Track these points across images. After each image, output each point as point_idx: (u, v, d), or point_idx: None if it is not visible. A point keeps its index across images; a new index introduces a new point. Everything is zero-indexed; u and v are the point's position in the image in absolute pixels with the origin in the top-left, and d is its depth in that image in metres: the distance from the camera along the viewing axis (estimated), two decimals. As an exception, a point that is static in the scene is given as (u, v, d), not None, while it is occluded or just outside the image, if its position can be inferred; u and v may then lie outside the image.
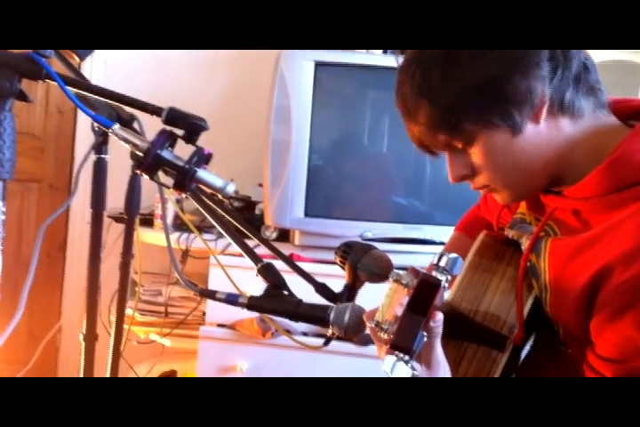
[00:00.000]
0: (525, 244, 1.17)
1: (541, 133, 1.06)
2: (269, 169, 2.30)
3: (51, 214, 1.38)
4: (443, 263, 0.89)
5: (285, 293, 1.16)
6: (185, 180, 0.98)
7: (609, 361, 1.01)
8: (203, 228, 2.37)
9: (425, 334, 0.91)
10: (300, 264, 2.18)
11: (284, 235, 2.50)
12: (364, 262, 1.18)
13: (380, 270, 1.16)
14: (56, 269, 3.07)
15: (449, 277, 0.90)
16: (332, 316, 1.08)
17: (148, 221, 2.53)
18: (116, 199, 1.71)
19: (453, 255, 0.90)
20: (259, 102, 2.49)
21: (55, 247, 3.06)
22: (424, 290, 0.88)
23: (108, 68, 3.00)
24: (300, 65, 2.29)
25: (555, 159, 1.07)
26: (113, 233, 2.29)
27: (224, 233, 1.24)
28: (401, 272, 0.93)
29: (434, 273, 0.89)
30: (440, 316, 0.95)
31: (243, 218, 2.51)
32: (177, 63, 3.00)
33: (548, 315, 1.14)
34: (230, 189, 1.01)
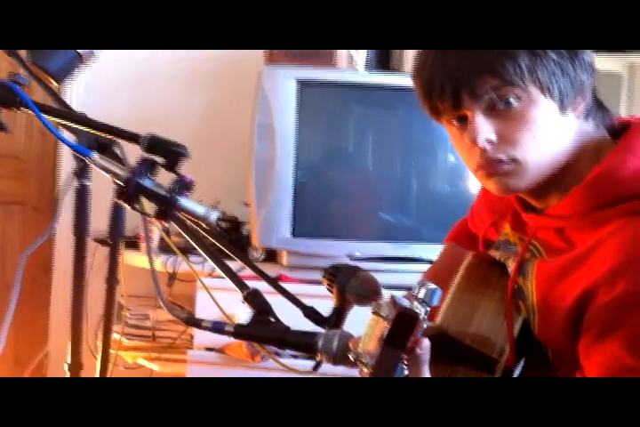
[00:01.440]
0: (512, 266, 1.16)
1: (572, 127, 1.06)
2: (254, 189, 2.29)
3: (35, 239, 1.37)
4: (421, 295, 0.88)
5: (272, 320, 1.14)
6: (167, 209, 0.96)
7: None
8: (189, 250, 2.33)
9: (405, 367, 0.89)
10: (288, 285, 2.16)
11: (272, 255, 2.48)
12: (351, 285, 1.16)
13: (368, 293, 1.14)
14: (42, 293, 3.02)
15: (428, 309, 0.88)
16: (320, 344, 1.06)
17: (134, 244, 2.49)
18: (101, 222, 1.68)
19: (432, 286, 0.89)
20: (242, 120, 2.47)
21: (41, 271, 3.02)
22: (402, 324, 0.86)
23: (88, 88, 2.98)
24: (282, 83, 2.28)
25: (567, 158, 1.06)
26: (99, 256, 2.25)
27: (209, 259, 1.22)
28: (382, 302, 0.91)
29: (414, 303, 0.87)
30: (426, 343, 0.93)
31: (229, 239, 2.51)
32: (158, 82, 2.98)
33: (537, 337, 1.12)
34: (213, 216, 0.99)
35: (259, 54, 2.56)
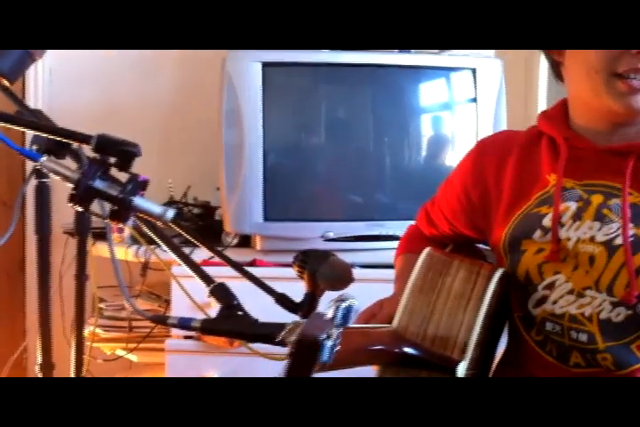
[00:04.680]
0: (551, 216, 1.16)
1: None
2: (225, 174, 2.28)
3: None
4: (331, 315, 0.86)
5: (240, 313, 1.13)
6: (121, 210, 0.95)
7: None
8: (161, 239, 2.32)
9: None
10: (263, 269, 2.15)
11: (246, 240, 2.46)
12: (322, 271, 1.15)
13: (340, 278, 1.13)
14: (17, 288, 3.01)
15: (338, 330, 0.86)
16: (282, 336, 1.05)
17: (105, 235, 2.46)
18: (71, 213, 1.64)
19: (343, 305, 0.87)
20: (212, 104, 2.44)
21: (14, 266, 3.00)
22: (302, 351, 0.84)
23: (51, 78, 2.93)
24: (247, 66, 2.25)
25: None
26: (72, 247, 2.23)
27: (172, 254, 1.21)
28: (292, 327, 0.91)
29: (324, 326, 0.85)
30: None
31: (202, 225, 2.49)
32: (123, 69, 2.93)
33: None
34: (169, 215, 0.97)
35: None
